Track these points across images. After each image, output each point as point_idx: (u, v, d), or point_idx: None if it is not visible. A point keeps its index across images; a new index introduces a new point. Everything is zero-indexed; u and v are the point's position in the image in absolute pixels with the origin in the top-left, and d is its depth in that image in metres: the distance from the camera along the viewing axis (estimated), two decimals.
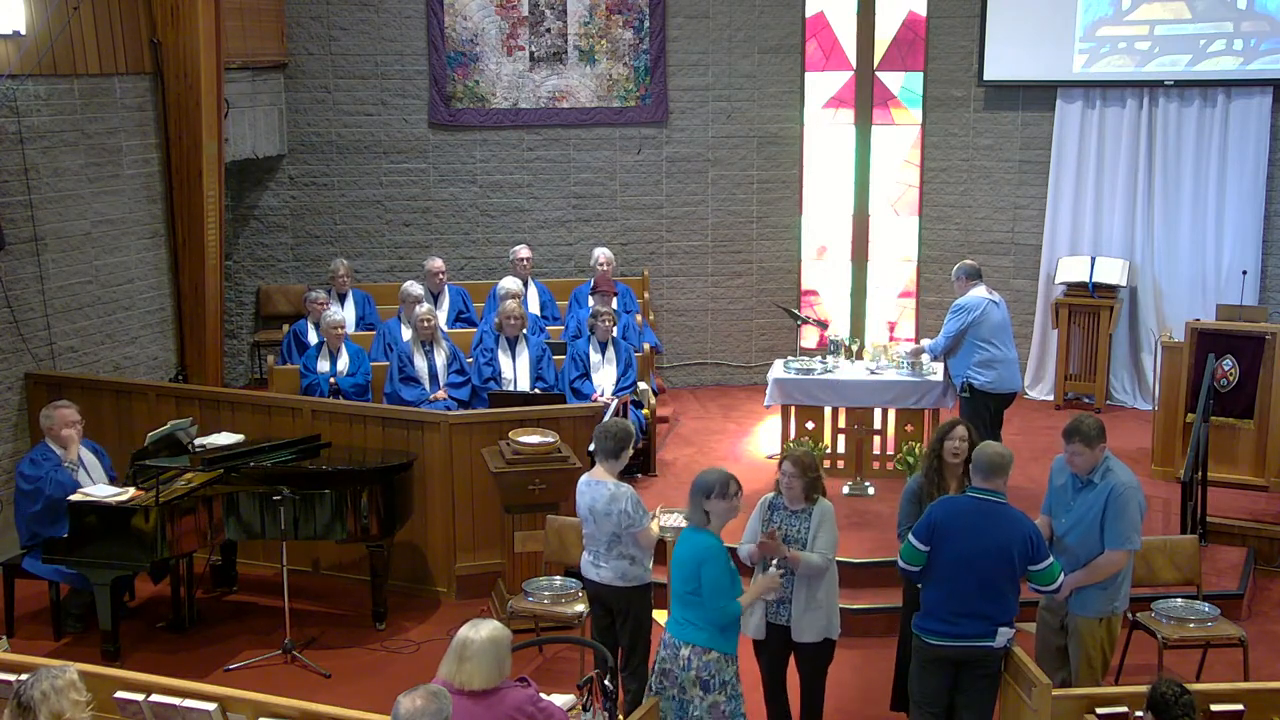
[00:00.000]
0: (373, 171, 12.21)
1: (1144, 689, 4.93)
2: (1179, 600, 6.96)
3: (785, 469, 6.06)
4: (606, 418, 8.35)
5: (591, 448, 8.05)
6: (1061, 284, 11.51)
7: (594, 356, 9.74)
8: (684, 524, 6.71)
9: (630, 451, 6.37)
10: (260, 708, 5.14)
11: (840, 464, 9.63)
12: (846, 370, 9.63)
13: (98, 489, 7.46)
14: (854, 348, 10.00)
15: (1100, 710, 5.23)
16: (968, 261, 9.18)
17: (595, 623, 6.50)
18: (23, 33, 8.54)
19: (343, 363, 9.72)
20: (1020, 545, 5.55)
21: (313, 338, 10.16)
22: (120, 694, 5.26)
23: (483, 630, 4.59)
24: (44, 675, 4.50)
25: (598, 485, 6.25)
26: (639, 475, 9.52)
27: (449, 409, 9.13)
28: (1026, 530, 5.62)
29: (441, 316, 10.61)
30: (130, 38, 9.70)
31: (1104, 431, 6.06)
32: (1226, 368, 9.29)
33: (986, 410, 8.80)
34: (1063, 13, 11.46)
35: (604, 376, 9.70)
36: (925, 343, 9.23)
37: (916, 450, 9.10)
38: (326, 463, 7.98)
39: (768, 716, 6.26)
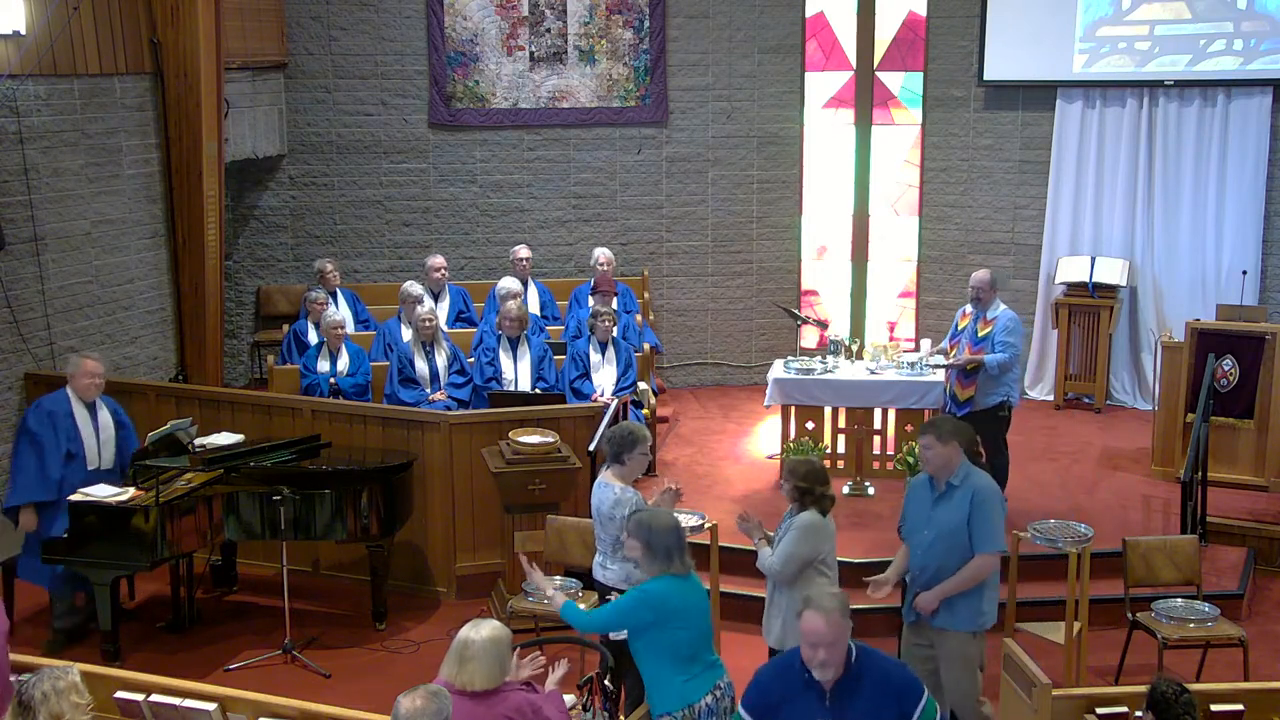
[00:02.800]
0: (373, 171, 12.21)
1: (1144, 689, 4.93)
2: (1179, 600, 6.97)
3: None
4: (606, 418, 8.35)
5: (591, 447, 8.09)
6: (1061, 284, 11.51)
7: (594, 356, 9.73)
8: (694, 523, 6.75)
9: (637, 455, 6.23)
10: (260, 708, 5.13)
11: (840, 464, 9.62)
12: (846, 370, 9.62)
13: (97, 489, 7.45)
14: (854, 348, 9.99)
15: (1100, 710, 5.23)
16: (990, 270, 8.89)
17: None
18: (23, 33, 8.53)
19: (343, 363, 9.72)
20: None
21: (313, 338, 10.16)
22: (120, 694, 5.26)
23: (483, 631, 4.59)
24: (46, 675, 4.49)
25: (605, 488, 6.24)
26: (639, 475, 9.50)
27: (448, 409, 9.13)
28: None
29: (442, 316, 10.60)
30: (130, 38, 9.70)
31: (959, 433, 5.93)
32: (1226, 368, 9.29)
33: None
34: (1063, 13, 11.46)
35: (604, 376, 9.70)
36: (987, 357, 8.37)
37: (916, 450, 9.10)
38: (326, 463, 7.97)
39: None
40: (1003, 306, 8.64)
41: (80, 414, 7.66)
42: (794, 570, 5.90)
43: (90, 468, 7.65)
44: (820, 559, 5.96)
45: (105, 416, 7.78)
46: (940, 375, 9.41)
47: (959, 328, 8.80)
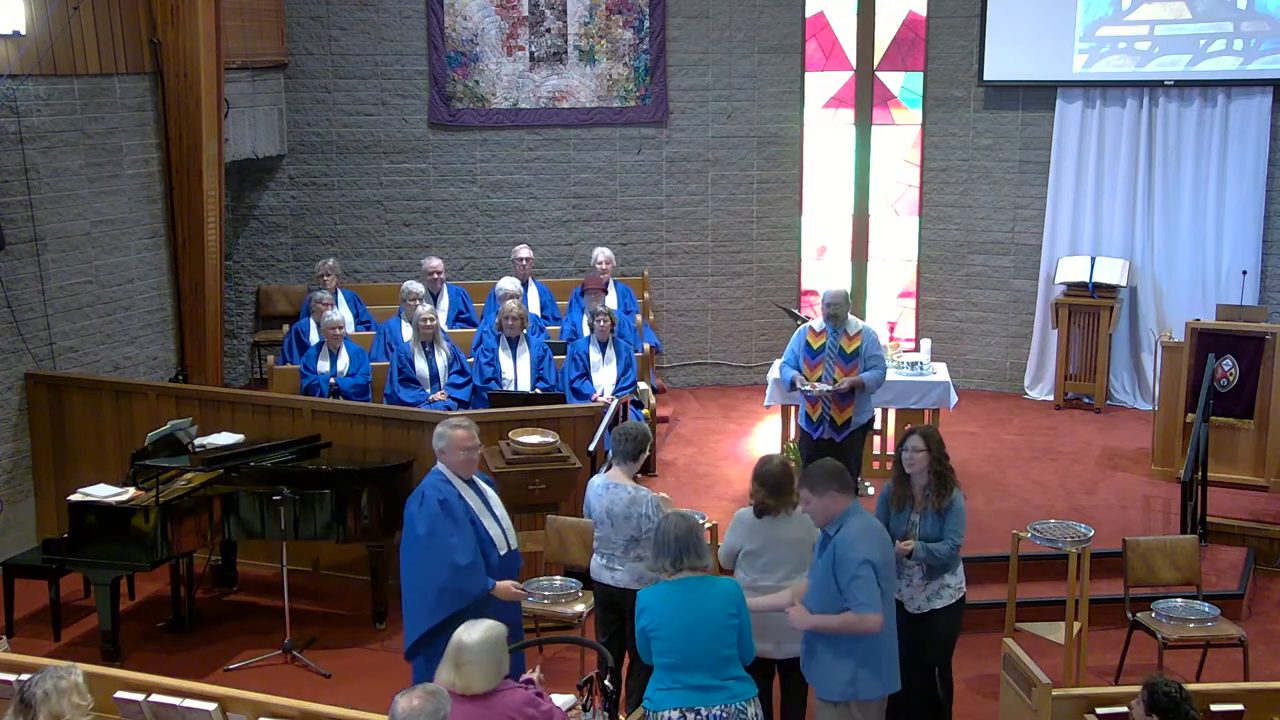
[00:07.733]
0: (373, 171, 12.21)
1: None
2: (1179, 600, 6.96)
3: None
4: (606, 418, 8.35)
5: (591, 447, 8.09)
6: (1061, 284, 11.51)
7: (594, 356, 9.74)
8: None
9: (648, 453, 6.28)
10: (260, 708, 5.14)
11: None
12: None
13: (97, 489, 7.44)
14: None
15: (1100, 710, 5.23)
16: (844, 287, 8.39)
17: (604, 627, 6.39)
18: (23, 33, 8.54)
19: (343, 363, 9.72)
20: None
21: (314, 337, 10.17)
22: (120, 694, 5.26)
23: (475, 633, 4.55)
24: (49, 675, 4.49)
25: (616, 489, 6.19)
26: (638, 475, 9.48)
27: (448, 409, 9.13)
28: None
29: (441, 316, 10.60)
30: (130, 38, 9.70)
31: (835, 477, 5.35)
32: (1226, 368, 9.29)
33: None
34: (1063, 13, 11.46)
35: (604, 376, 9.70)
36: (865, 375, 8.05)
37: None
38: (326, 463, 7.98)
39: None
40: (860, 322, 8.30)
41: (468, 494, 6.03)
42: (725, 563, 6.00)
43: (502, 552, 6.04)
44: (744, 551, 5.91)
45: (489, 490, 6.23)
46: (941, 376, 9.42)
47: (813, 348, 8.22)
